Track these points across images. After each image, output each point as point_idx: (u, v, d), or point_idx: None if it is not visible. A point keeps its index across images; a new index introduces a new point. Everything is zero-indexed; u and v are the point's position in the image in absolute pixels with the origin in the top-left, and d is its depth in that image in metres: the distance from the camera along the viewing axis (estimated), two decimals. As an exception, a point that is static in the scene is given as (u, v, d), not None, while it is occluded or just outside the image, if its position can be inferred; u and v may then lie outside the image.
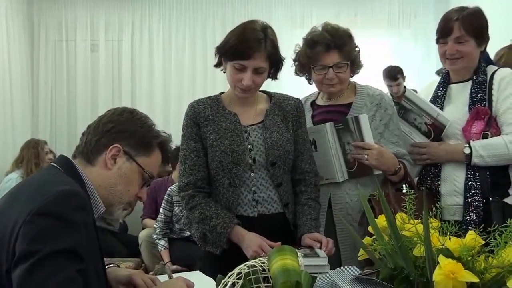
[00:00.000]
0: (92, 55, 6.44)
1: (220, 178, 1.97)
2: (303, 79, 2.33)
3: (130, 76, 6.39)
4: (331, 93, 2.24)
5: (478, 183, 2.16)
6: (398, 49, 6.14)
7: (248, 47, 1.88)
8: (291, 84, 5.07)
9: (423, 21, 6.12)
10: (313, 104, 2.32)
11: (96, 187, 1.48)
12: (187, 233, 4.13)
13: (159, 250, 4.35)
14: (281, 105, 2.06)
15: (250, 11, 6.22)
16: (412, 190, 1.36)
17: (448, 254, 1.11)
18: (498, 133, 2.18)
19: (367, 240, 1.36)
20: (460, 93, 2.26)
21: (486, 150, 2.14)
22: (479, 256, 1.10)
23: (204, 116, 2.00)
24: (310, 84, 2.31)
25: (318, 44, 2.15)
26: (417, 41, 6.17)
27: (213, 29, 6.36)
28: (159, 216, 4.38)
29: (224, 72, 2.01)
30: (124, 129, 1.51)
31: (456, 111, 2.23)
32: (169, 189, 4.33)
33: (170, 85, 6.38)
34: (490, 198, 2.12)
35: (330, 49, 2.14)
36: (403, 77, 5.07)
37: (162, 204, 4.37)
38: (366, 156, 2.10)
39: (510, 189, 2.20)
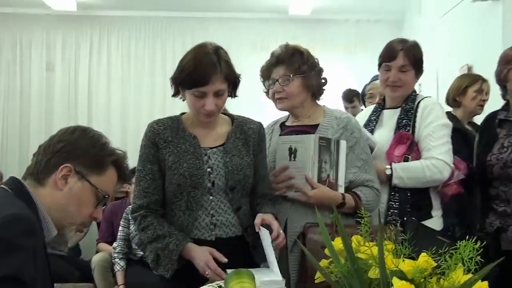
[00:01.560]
0: (47, 74, 6.34)
1: (178, 201, 1.95)
2: (265, 100, 2.36)
3: (87, 96, 6.31)
4: (282, 109, 2.26)
5: (398, 203, 2.29)
6: (355, 72, 6.28)
7: (204, 73, 1.86)
8: (251, 104, 5.14)
9: (379, 46, 6.29)
10: (282, 125, 2.34)
11: (47, 209, 1.42)
12: (141, 253, 4.07)
13: (115, 270, 4.23)
14: (243, 128, 2.05)
15: (211, 35, 6.26)
16: (368, 213, 1.38)
17: (402, 276, 1.13)
18: (418, 157, 2.33)
19: (323, 262, 1.36)
20: (390, 118, 2.41)
21: (405, 172, 2.28)
22: (431, 278, 1.13)
23: (163, 137, 1.97)
24: None
25: (271, 58, 2.23)
26: (374, 64, 6.32)
27: (172, 49, 6.38)
28: (119, 234, 4.31)
29: (183, 100, 2.00)
30: (76, 147, 1.47)
31: (384, 134, 2.37)
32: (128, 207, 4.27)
33: (129, 105, 6.34)
34: (405, 218, 2.23)
35: (279, 63, 2.20)
36: (359, 100, 5.18)
37: (121, 222, 4.31)
38: (307, 194, 2.07)
39: (433, 211, 2.36)
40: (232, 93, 2.00)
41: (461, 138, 3.06)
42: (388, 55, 2.41)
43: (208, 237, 1.94)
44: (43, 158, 1.46)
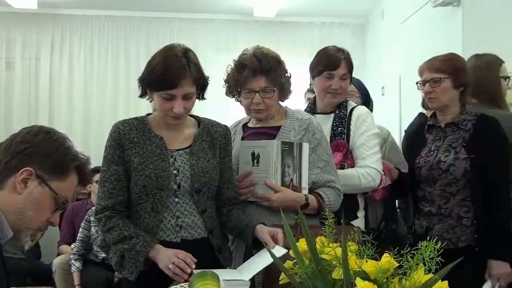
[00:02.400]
0: (7, 73, 6.18)
1: (143, 203, 1.93)
2: (228, 101, 2.35)
3: (48, 95, 6.18)
4: (259, 119, 2.26)
5: None
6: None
7: (174, 76, 1.85)
8: (216, 106, 5.11)
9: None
10: (244, 126, 2.34)
11: (3, 211, 1.37)
12: (103, 255, 4.03)
13: (72, 271, 4.20)
14: (210, 131, 2.05)
15: (176, 36, 6.22)
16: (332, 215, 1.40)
17: (365, 276, 1.15)
18: (352, 164, 2.44)
19: (288, 264, 1.37)
20: (324, 124, 2.45)
21: (343, 179, 2.33)
22: (393, 278, 1.15)
23: (129, 138, 1.95)
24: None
25: (246, 68, 2.16)
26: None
27: (137, 50, 6.30)
28: (78, 235, 4.26)
29: (151, 101, 1.98)
30: (38, 151, 1.41)
31: None
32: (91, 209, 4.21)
33: (91, 105, 6.23)
34: (341, 221, 2.27)
35: (257, 74, 2.15)
36: None
37: (82, 224, 4.26)
38: (270, 199, 2.09)
39: (358, 212, 2.49)
40: (200, 96, 1.99)
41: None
42: (331, 64, 2.48)
43: (174, 239, 1.92)
44: (2, 158, 1.41)
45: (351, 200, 2.43)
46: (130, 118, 2.04)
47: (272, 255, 1.39)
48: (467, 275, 2.23)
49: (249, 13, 6.29)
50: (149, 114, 2.07)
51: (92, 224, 4.19)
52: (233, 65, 2.23)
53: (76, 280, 4.18)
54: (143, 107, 4.60)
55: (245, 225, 1.99)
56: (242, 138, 2.29)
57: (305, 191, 2.15)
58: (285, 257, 1.50)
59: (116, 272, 3.56)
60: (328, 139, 2.41)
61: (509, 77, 2.94)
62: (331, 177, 2.21)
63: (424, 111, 3.42)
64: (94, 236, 4.20)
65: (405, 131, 3.48)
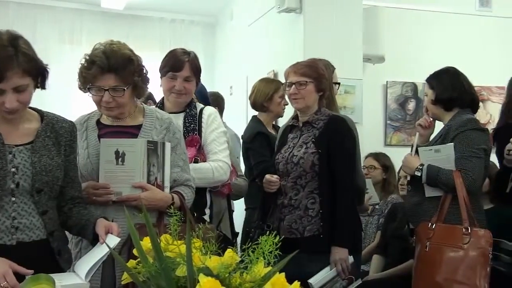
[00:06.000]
0: None
1: (-25, 203, 1.75)
2: (69, 93, 2.23)
3: None
4: (110, 116, 2.19)
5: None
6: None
7: None
8: (59, 97, 4.82)
9: (196, 47, 6.40)
10: (98, 122, 2.23)
11: None
12: None
13: None
14: (54, 126, 1.91)
15: (12, 21, 5.73)
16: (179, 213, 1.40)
17: (208, 272, 1.17)
18: (205, 159, 2.56)
19: (131, 263, 1.34)
20: (175, 122, 2.53)
21: (197, 173, 2.44)
22: (235, 273, 1.18)
23: None
24: None
25: (95, 65, 2.05)
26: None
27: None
28: None
29: None
30: None
31: None
32: None
33: None
34: (187, 218, 2.40)
35: (105, 72, 2.06)
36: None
37: None
38: (138, 197, 2.06)
39: (206, 209, 2.64)
40: (41, 85, 1.84)
41: (264, 141, 3.34)
42: (175, 66, 2.58)
43: (8, 242, 1.77)
44: None
45: (200, 195, 2.50)
46: None
47: (108, 246, 1.35)
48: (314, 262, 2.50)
49: (96, 3, 6.04)
50: None
51: None
52: (84, 60, 2.11)
53: None
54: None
55: (86, 220, 1.91)
56: (99, 136, 2.18)
57: (167, 190, 2.17)
58: None
59: None
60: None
61: (339, 83, 3.23)
62: (189, 176, 2.27)
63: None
64: None
65: (242, 136, 3.63)
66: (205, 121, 2.61)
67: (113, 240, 1.78)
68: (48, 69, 1.85)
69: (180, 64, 2.57)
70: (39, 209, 1.83)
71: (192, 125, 2.58)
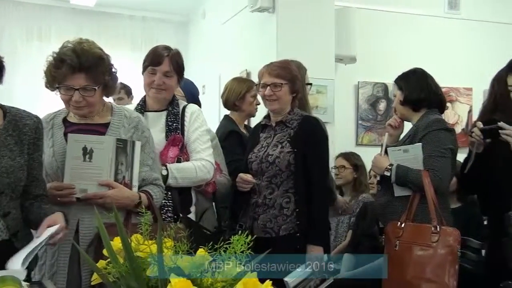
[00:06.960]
0: None
1: None
2: (37, 91, 2.19)
3: None
4: (78, 114, 2.15)
5: (171, 201, 2.45)
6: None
7: None
8: (26, 94, 4.73)
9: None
10: (65, 120, 2.19)
11: None
12: None
13: None
14: (18, 124, 1.87)
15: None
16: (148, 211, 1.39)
17: (179, 272, 1.16)
18: (188, 158, 2.54)
19: (101, 263, 1.32)
20: (157, 121, 2.56)
21: (180, 172, 2.45)
22: (207, 272, 1.17)
23: None
24: None
25: (65, 64, 2.00)
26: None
27: None
28: None
29: None
30: None
31: (155, 136, 2.41)
32: None
33: None
34: (181, 215, 2.44)
35: (76, 71, 2.01)
36: (127, 93, 5.13)
37: None
38: (104, 195, 2.04)
39: (191, 207, 2.63)
40: None
41: (237, 139, 3.32)
42: (154, 60, 2.55)
43: (-32, 243, 1.73)
44: None
45: (185, 194, 2.52)
46: None
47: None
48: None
49: (65, 0, 5.94)
50: None
51: None
52: (52, 58, 2.06)
53: None
54: None
55: (44, 214, 1.88)
56: (65, 134, 2.13)
57: (135, 189, 2.15)
58: None
59: None
60: (164, 135, 2.50)
61: (311, 84, 3.26)
62: (157, 175, 2.25)
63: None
64: None
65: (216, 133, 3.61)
66: (188, 119, 2.58)
67: (48, 231, 1.77)
68: (3, 62, 1.81)
69: (159, 59, 2.54)
70: (0, 212, 1.79)
71: (174, 124, 2.55)
